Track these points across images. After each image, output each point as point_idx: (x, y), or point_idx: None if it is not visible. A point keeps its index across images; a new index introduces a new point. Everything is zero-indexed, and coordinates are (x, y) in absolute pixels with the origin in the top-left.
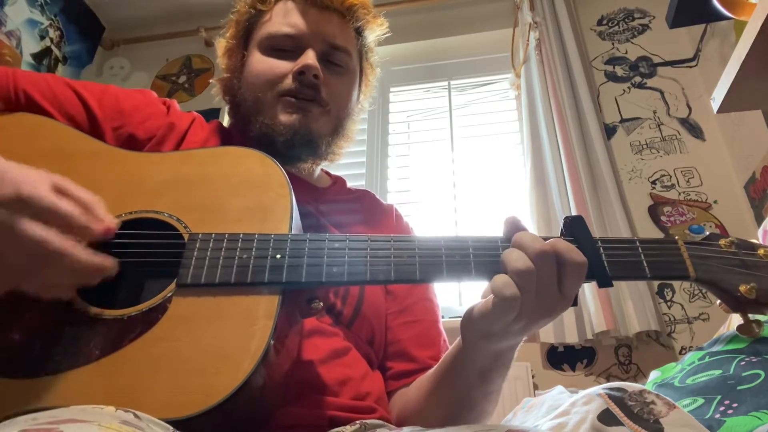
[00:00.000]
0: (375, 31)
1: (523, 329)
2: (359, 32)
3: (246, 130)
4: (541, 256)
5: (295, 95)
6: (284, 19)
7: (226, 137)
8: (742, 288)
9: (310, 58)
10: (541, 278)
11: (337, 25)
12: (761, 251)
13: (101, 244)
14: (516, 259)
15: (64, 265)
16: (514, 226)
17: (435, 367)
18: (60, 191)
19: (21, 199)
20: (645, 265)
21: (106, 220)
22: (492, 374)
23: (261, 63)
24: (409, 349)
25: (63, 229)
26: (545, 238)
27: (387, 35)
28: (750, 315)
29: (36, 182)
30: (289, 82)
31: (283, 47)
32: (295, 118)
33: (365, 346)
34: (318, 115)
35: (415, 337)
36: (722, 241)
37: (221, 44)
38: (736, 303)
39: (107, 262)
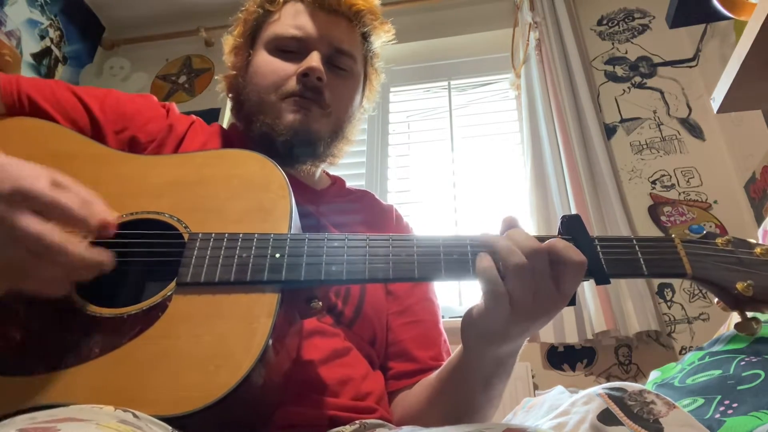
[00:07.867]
0: (381, 37)
1: (523, 331)
2: (366, 37)
3: (247, 129)
4: (534, 254)
5: (298, 96)
6: (292, 21)
7: (226, 140)
8: (739, 286)
9: (314, 60)
10: (536, 276)
11: (343, 29)
12: (758, 249)
13: (103, 243)
14: (510, 252)
15: (61, 260)
16: (510, 226)
17: (437, 372)
18: (59, 187)
19: (19, 193)
20: (642, 262)
21: (106, 214)
22: (494, 380)
23: (266, 64)
24: (410, 349)
25: (61, 223)
26: (544, 238)
27: (392, 41)
28: (748, 313)
29: (35, 177)
30: (292, 84)
31: (289, 48)
32: (296, 117)
33: (367, 346)
34: (319, 116)
35: (416, 338)
36: (719, 240)
37: (228, 41)
38: (733, 301)
39: (103, 258)
